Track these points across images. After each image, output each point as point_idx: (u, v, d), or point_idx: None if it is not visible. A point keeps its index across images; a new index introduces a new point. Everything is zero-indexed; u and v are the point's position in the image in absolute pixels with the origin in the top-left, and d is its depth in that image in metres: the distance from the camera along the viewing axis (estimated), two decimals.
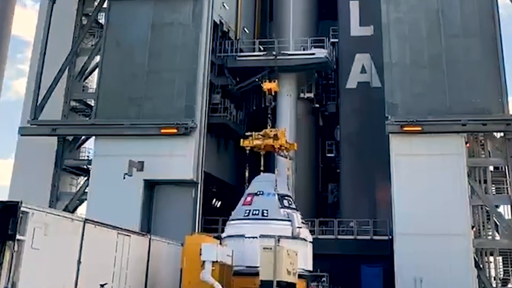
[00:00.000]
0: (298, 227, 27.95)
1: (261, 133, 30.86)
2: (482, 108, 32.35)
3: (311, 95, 41.59)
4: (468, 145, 33.19)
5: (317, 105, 42.52)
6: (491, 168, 34.97)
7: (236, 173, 41.14)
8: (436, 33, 33.96)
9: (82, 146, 38.67)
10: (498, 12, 33.84)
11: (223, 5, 40.06)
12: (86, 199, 35.14)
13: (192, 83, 35.06)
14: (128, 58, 36.13)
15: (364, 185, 38.12)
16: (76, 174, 39.13)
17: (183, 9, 36.30)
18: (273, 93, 31.96)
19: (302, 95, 41.99)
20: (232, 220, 28.51)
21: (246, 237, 27.32)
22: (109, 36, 36.87)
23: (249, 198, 29.05)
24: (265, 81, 32.39)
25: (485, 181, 33.75)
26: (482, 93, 32.59)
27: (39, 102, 36.82)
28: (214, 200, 42.21)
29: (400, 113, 32.97)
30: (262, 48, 40.85)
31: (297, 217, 28.26)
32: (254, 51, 40.74)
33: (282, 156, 32.63)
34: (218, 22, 39.20)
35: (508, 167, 33.07)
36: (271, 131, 30.91)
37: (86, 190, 35.68)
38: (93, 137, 36.28)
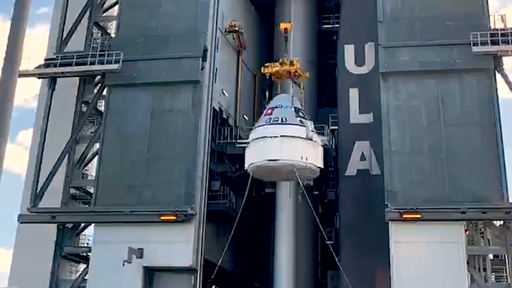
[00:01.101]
0: (311, 131, 35.18)
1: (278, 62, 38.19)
2: (482, 196, 32.35)
3: (311, 182, 41.63)
4: (467, 232, 33.06)
5: (317, 192, 42.50)
6: (491, 256, 34.75)
7: (235, 260, 40.73)
8: (436, 121, 34.28)
9: (82, 233, 38.49)
10: (498, 100, 34.19)
11: (223, 92, 40.59)
12: (85, 287, 34.74)
13: (191, 170, 35.16)
14: (127, 145, 36.36)
15: (364, 272, 37.69)
16: (76, 261, 38.80)
17: (183, 96, 36.73)
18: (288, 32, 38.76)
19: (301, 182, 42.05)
20: (256, 127, 35.73)
21: (268, 137, 34.61)
22: (108, 123, 37.18)
23: (269, 110, 36.33)
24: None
25: (485, 269, 33.48)
26: (481, 181, 32.66)
27: (38, 189, 36.83)
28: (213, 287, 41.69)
29: (400, 201, 32.95)
30: None
31: (310, 123, 35.57)
32: None
33: (296, 83, 38.68)
34: (217, 109, 39.62)
35: (507, 256, 32.83)
36: (286, 59, 37.99)
37: (85, 277, 35.33)
38: (93, 224, 36.16)
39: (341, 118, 41.51)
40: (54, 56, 39.07)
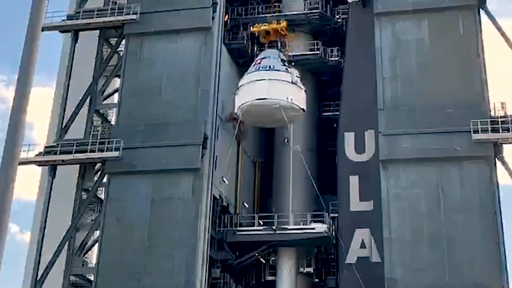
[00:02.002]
0: (296, 76, 39.64)
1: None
2: (482, 284, 32.04)
3: (311, 269, 41.24)
4: None
5: (317, 280, 42.04)
6: None
7: None
8: (436, 208, 34.26)
9: None
10: (498, 188, 34.24)
11: (223, 180, 40.72)
12: None
13: (191, 258, 34.95)
14: (128, 233, 36.26)
15: None
16: None
17: (183, 183, 36.85)
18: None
19: (301, 269, 41.66)
20: (246, 74, 39.97)
21: (256, 80, 39.21)
22: (108, 211, 37.18)
23: (258, 60, 40.70)
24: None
25: None
26: (482, 269, 32.41)
27: (38, 277, 36.54)
28: None
29: None
30: (262, 223, 40.99)
31: (296, 71, 39.90)
32: (253, 226, 40.87)
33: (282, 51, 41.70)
34: (217, 197, 39.68)
35: None
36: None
37: None
38: None
39: (341, 206, 41.45)
40: (54, 144, 39.55)
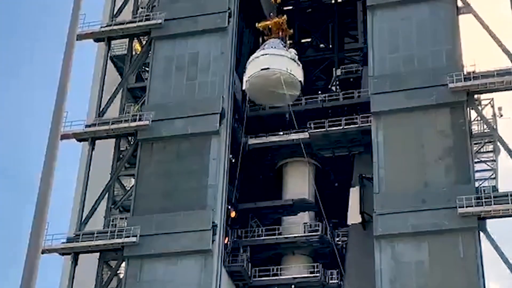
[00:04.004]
0: (295, 53, 47.34)
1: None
2: None
3: None
4: None
5: None
6: None
7: None
8: None
9: None
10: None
11: None
12: None
13: None
14: None
15: None
16: None
17: None
18: None
19: None
20: (253, 56, 47.16)
21: (261, 55, 46.77)
22: None
23: (262, 46, 48.24)
24: None
25: None
26: None
27: None
28: None
29: None
30: None
31: (294, 52, 47.50)
32: None
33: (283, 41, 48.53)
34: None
35: None
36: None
37: None
38: None
39: None
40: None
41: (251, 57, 47.68)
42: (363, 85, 47.53)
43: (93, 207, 43.36)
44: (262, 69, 46.02)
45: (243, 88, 47.08)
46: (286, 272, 45.89)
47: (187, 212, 41.31)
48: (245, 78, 46.96)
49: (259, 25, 50.62)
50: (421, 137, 40.80)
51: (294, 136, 47.95)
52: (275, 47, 47.28)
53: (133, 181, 45.68)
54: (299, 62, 47.50)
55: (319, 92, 50.64)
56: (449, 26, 43.01)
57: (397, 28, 43.97)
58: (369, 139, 42.76)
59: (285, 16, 50.92)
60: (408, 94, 41.67)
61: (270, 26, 50.11)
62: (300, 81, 47.06)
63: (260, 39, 52.48)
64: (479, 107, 42.97)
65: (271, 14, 51.90)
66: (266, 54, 46.72)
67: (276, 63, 46.13)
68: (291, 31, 51.23)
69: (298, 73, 46.95)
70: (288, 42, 49.89)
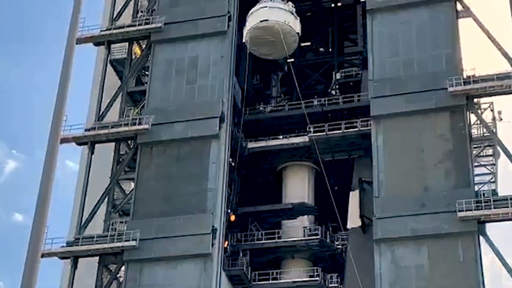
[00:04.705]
0: (292, 6, 48.82)
1: None
2: None
3: None
4: None
5: None
6: None
7: None
8: None
9: None
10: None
11: None
12: None
13: None
14: None
15: None
16: None
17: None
18: None
19: None
20: (253, 9, 48.46)
21: (260, 8, 48.15)
22: None
23: (261, 2, 48.90)
24: None
25: None
26: None
27: None
28: None
29: None
30: None
31: (291, 5, 48.91)
32: None
33: None
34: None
35: None
36: None
37: None
38: None
39: None
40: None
41: (251, 10, 48.72)
42: (363, 89, 47.57)
43: (92, 211, 43.34)
44: (261, 21, 47.59)
45: (243, 40, 48.24)
46: (286, 276, 45.89)
47: (187, 216, 41.28)
48: (245, 31, 48.22)
49: None
50: (420, 141, 40.80)
51: (293, 140, 47.99)
52: (273, 1, 48.81)
53: (132, 185, 45.61)
54: (296, 15, 48.84)
55: (316, 97, 50.55)
56: (449, 30, 43.05)
57: (397, 32, 44.00)
58: (369, 143, 42.78)
59: None
60: (407, 98, 41.69)
61: None
62: (298, 33, 48.40)
63: None
64: (479, 111, 42.95)
65: None
66: (265, 6, 48.20)
67: (275, 15, 47.91)
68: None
69: (296, 25, 48.54)
70: None
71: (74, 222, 45.36)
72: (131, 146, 45.70)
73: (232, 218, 45.53)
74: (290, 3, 49.37)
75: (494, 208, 37.55)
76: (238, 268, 45.00)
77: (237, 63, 48.50)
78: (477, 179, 41.98)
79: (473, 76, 40.90)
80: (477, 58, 44.01)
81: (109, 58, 48.93)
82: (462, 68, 41.72)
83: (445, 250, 38.03)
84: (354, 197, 45.45)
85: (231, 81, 45.61)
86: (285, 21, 47.88)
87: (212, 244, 40.47)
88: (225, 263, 43.78)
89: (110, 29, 48.05)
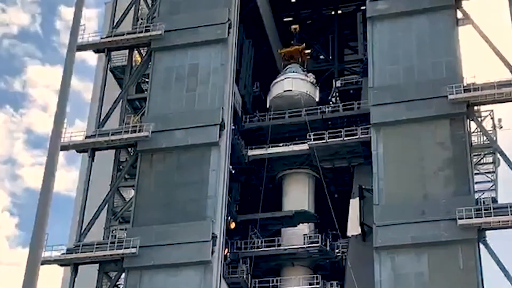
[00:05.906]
0: (313, 77, 53.02)
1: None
2: None
3: None
4: None
5: None
6: None
7: None
8: None
9: None
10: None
11: None
12: None
13: None
14: None
15: None
16: None
17: None
18: None
19: None
20: (277, 79, 52.54)
21: (285, 78, 52.39)
22: None
23: (284, 71, 53.71)
24: None
25: None
26: None
27: None
28: None
29: None
30: None
31: (312, 76, 53.23)
32: None
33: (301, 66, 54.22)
34: None
35: None
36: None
37: None
38: None
39: None
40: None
41: (275, 80, 52.40)
42: (363, 96, 47.66)
43: (93, 218, 43.30)
44: (285, 91, 50.94)
45: (267, 106, 51.43)
46: (286, 284, 45.87)
47: (187, 223, 41.23)
48: (269, 98, 51.76)
49: (281, 51, 55.22)
50: (421, 149, 40.81)
51: (294, 148, 48.04)
52: (295, 72, 52.87)
53: (132, 192, 45.57)
54: (316, 85, 52.42)
55: (318, 105, 50.95)
56: (449, 37, 43.11)
57: (397, 40, 44.06)
58: (369, 151, 42.80)
59: (304, 44, 54.69)
60: (408, 105, 41.73)
61: (291, 53, 55.00)
62: (317, 102, 51.44)
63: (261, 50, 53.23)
64: (479, 119, 42.94)
65: (292, 42, 55.61)
66: (288, 78, 51.99)
67: (297, 85, 51.68)
68: (308, 56, 55.18)
69: (315, 94, 52.37)
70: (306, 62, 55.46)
71: (74, 229, 45.34)
72: (131, 154, 45.67)
73: (232, 225, 45.55)
74: (310, 74, 53.36)
75: (494, 215, 37.50)
76: (238, 276, 44.99)
77: (237, 70, 48.58)
78: (477, 186, 41.89)
79: (473, 83, 40.93)
80: (477, 66, 44.14)
81: (109, 66, 48.99)
82: (462, 75, 41.77)
83: (445, 258, 37.97)
84: (354, 205, 45.44)
85: (232, 88, 45.65)
86: (306, 91, 51.19)
87: (212, 252, 40.40)
88: (225, 270, 43.75)
89: (110, 37, 48.13)
